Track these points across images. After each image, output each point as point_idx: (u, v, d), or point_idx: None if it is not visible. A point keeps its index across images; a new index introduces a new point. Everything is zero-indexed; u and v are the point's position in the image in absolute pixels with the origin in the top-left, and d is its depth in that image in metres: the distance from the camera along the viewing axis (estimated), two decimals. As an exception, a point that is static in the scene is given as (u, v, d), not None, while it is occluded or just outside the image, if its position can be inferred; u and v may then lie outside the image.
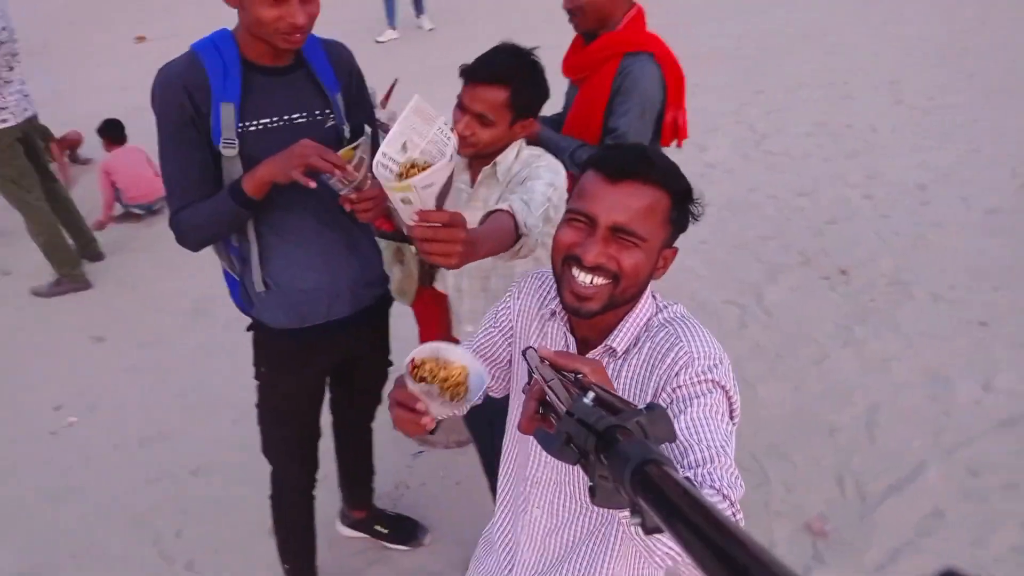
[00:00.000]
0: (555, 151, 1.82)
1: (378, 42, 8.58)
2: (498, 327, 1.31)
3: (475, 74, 1.57)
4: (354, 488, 2.37)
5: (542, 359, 0.79)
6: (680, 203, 1.07)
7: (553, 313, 1.19)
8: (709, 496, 0.85)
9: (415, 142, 1.10)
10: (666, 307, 1.15)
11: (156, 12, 11.08)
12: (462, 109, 1.61)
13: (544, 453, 1.06)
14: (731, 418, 1.02)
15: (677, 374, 1.01)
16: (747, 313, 3.56)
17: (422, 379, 0.95)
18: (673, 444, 0.93)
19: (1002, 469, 2.59)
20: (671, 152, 1.56)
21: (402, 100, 1.29)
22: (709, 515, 0.39)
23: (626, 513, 0.48)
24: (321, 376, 1.93)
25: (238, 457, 2.76)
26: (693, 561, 0.38)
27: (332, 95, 1.65)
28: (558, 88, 1.97)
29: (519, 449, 1.26)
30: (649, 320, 1.12)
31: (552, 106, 1.92)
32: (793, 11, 8.59)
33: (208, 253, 1.79)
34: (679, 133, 2.12)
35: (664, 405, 0.97)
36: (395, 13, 8.70)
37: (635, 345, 1.11)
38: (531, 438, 1.06)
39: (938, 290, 3.61)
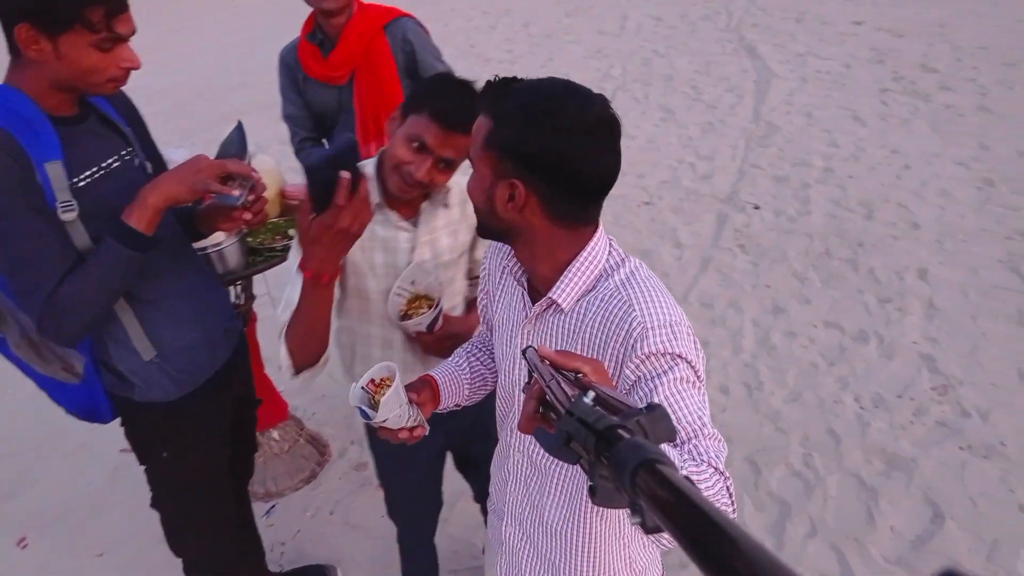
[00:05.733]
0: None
1: None
2: (482, 316, 1.36)
3: (453, 122, 1.32)
4: (249, 557, 2.09)
5: (542, 359, 0.77)
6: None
7: (510, 271, 1.18)
8: (702, 473, 0.85)
9: (420, 280, 1.51)
10: (620, 265, 1.06)
11: None
12: (422, 150, 1.37)
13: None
14: (699, 379, 0.99)
15: (634, 347, 0.97)
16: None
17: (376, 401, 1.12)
18: None
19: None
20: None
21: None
22: (710, 518, 0.39)
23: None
24: (225, 432, 1.75)
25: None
26: (694, 563, 0.38)
27: (127, 132, 1.51)
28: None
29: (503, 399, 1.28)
30: (600, 278, 1.06)
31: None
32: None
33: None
34: None
35: (629, 383, 0.98)
36: None
37: (586, 305, 1.05)
38: (516, 393, 1.19)
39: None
